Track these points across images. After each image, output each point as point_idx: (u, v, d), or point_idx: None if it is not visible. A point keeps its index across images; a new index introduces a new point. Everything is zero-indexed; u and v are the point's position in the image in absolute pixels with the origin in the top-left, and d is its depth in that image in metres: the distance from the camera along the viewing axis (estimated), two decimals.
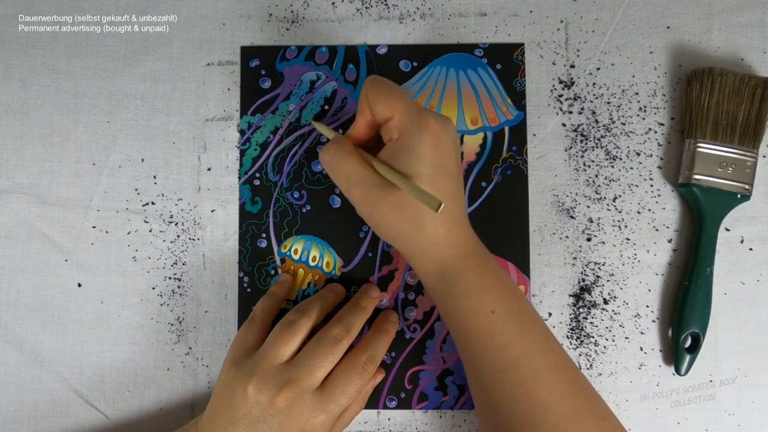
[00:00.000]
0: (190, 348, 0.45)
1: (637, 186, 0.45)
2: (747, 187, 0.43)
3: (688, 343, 0.43)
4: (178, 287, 0.45)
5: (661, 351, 0.44)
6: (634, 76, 0.46)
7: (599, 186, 0.45)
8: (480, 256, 0.39)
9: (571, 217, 0.45)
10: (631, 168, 0.45)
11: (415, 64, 0.46)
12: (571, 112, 0.46)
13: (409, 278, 0.45)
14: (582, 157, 0.46)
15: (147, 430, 0.44)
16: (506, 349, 0.36)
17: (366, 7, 0.47)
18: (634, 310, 0.45)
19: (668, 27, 0.46)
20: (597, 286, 0.45)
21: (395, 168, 0.37)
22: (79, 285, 0.45)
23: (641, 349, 0.44)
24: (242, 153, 0.46)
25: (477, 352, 0.37)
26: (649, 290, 0.45)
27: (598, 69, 0.46)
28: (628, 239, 0.45)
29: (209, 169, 0.46)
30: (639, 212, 0.45)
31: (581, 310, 0.45)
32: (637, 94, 0.46)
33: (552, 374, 0.36)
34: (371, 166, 0.38)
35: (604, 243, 0.45)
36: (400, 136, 0.37)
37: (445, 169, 0.37)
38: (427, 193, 0.34)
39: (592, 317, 0.45)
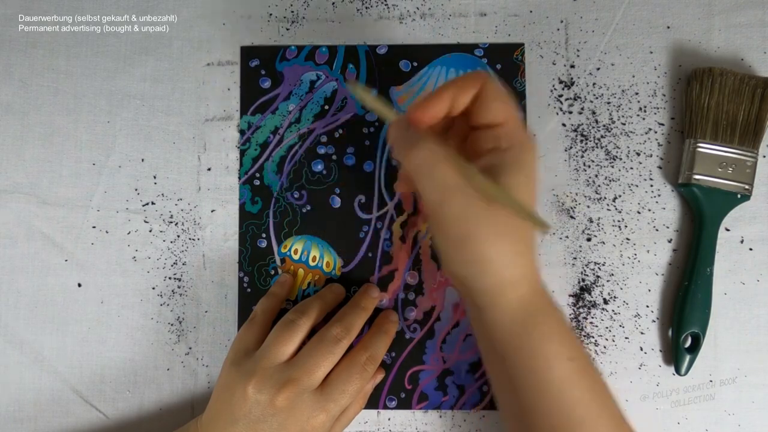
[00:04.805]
0: (190, 348, 0.45)
1: (637, 186, 0.45)
2: (747, 187, 0.43)
3: (688, 343, 0.43)
4: (178, 287, 0.45)
5: (661, 351, 0.44)
6: (634, 76, 0.46)
7: (599, 186, 0.45)
8: (549, 295, 0.36)
9: (571, 217, 0.45)
10: (631, 168, 0.45)
11: (415, 64, 0.46)
12: (571, 112, 0.46)
13: (409, 278, 0.45)
14: (582, 157, 0.46)
15: (147, 430, 0.44)
16: (580, 403, 0.33)
17: (366, 7, 0.47)
18: (634, 310, 0.45)
19: (668, 27, 0.46)
20: (597, 286, 0.45)
21: (499, 183, 0.32)
22: (79, 285, 0.45)
23: (641, 349, 0.44)
24: (242, 153, 0.46)
25: (545, 406, 0.34)
26: (649, 290, 0.45)
27: (598, 69, 0.46)
28: (628, 239, 0.45)
29: (209, 169, 0.46)
30: (639, 212, 0.45)
31: (581, 310, 0.45)
32: (637, 94, 0.46)
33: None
34: (467, 174, 0.32)
35: (604, 243, 0.45)
36: (510, 147, 0.33)
37: (534, 196, 0.33)
38: (537, 214, 0.31)
39: (592, 317, 0.45)
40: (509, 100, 0.34)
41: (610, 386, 0.36)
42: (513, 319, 0.34)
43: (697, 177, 0.43)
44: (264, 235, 0.45)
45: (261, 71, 0.46)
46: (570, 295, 0.45)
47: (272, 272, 0.45)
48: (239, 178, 0.46)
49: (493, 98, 0.33)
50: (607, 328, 0.44)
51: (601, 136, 0.46)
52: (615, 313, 0.45)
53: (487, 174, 0.32)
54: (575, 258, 0.45)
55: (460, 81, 0.33)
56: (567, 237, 0.45)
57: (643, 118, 0.46)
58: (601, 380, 0.35)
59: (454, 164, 0.32)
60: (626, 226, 0.45)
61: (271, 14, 0.47)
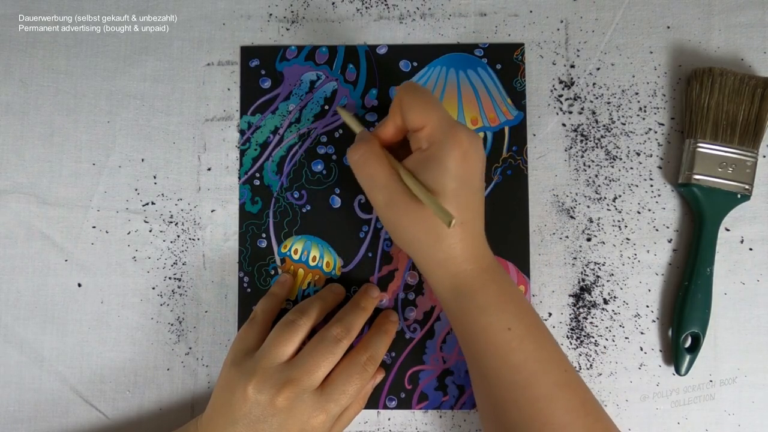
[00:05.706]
0: (190, 348, 0.45)
1: (637, 186, 0.45)
2: (747, 187, 0.43)
3: (688, 343, 0.43)
4: (178, 287, 0.45)
5: (661, 351, 0.44)
6: (634, 76, 0.46)
7: (599, 186, 0.45)
8: (495, 272, 0.38)
9: (571, 217, 0.45)
10: (631, 168, 0.45)
11: (415, 64, 0.46)
12: (571, 112, 0.46)
13: (409, 278, 0.45)
14: (582, 157, 0.46)
15: (147, 430, 0.44)
16: (523, 367, 0.36)
17: (366, 7, 0.47)
18: (634, 310, 0.45)
19: (668, 27, 0.46)
20: (597, 286, 0.45)
21: (419, 178, 0.37)
22: (79, 285, 0.45)
23: (641, 349, 0.44)
24: (242, 153, 0.46)
25: (492, 370, 0.37)
26: (649, 290, 0.45)
27: (598, 69, 0.46)
28: (628, 239, 0.45)
29: (209, 169, 0.46)
30: (639, 212, 0.45)
31: (581, 310, 0.45)
32: (637, 94, 0.46)
33: (567, 393, 0.36)
34: (397, 171, 0.38)
35: (604, 243, 0.45)
36: (429, 147, 0.37)
37: (470, 185, 0.37)
38: (443, 207, 0.34)
39: (592, 317, 0.45)
40: (427, 105, 0.37)
41: (564, 353, 0.39)
42: (447, 294, 0.38)
43: (697, 177, 0.43)
44: (264, 235, 0.45)
45: (261, 71, 0.46)
46: (570, 295, 0.45)
47: (272, 272, 0.45)
48: (239, 178, 0.46)
49: (408, 109, 0.37)
50: (607, 328, 0.44)
51: (601, 136, 0.46)
52: (615, 313, 0.45)
53: (414, 170, 0.37)
54: (575, 258, 0.45)
55: (393, 105, 0.39)
56: (567, 237, 0.45)
57: (643, 118, 0.46)
58: (549, 346, 0.38)
59: (385, 162, 0.38)
60: (626, 226, 0.45)
61: (271, 14, 0.47)
